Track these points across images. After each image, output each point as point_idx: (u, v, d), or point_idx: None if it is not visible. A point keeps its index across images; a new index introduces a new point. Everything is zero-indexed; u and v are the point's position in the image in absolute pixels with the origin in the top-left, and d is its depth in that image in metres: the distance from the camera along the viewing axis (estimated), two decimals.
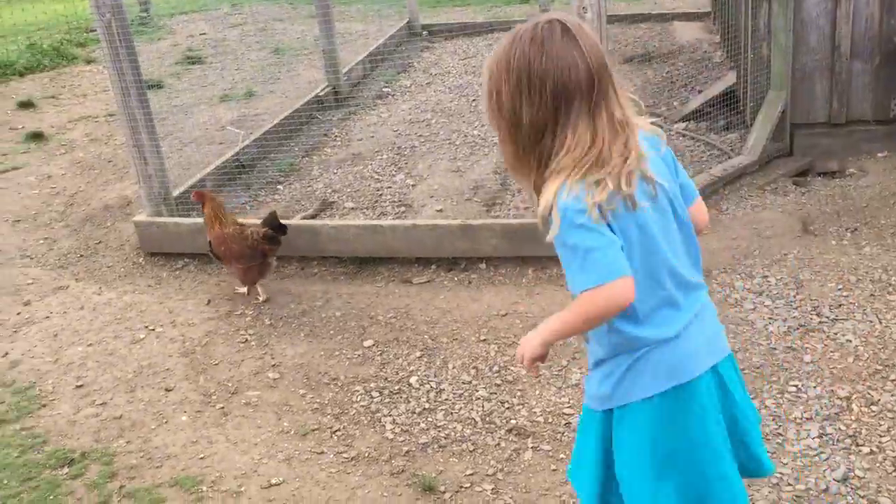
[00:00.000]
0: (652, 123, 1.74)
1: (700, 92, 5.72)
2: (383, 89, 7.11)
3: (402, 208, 4.65)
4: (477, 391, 3.03)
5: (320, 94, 6.51)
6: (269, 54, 8.86)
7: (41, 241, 4.64)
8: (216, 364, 3.33)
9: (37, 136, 6.44)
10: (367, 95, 6.92)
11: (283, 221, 3.86)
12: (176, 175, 4.87)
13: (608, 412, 1.76)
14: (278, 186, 5.18)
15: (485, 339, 3.35)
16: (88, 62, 9.00)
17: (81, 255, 4.45)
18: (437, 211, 4.49)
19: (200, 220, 4.30)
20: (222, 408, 3.04)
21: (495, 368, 3.15)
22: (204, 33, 10.20)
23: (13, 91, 7.98)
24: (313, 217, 4.71)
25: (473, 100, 6.35)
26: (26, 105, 7.35)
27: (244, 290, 3.86)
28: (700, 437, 1.70)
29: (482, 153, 5.22)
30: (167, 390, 3.16)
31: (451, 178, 4.90)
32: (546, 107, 1.62)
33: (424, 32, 8.95)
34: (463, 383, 3.08)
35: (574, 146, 1.60)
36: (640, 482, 1.73)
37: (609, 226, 1.59)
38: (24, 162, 5.93)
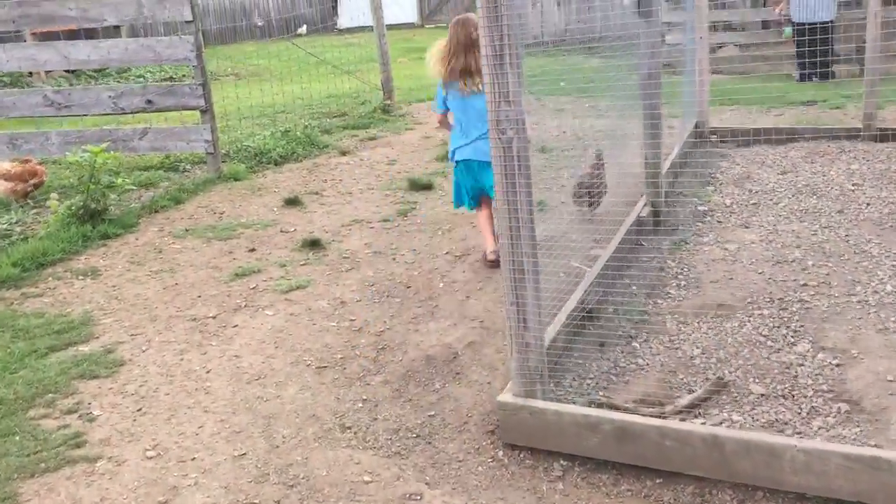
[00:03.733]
0: None
1: None
2: (698, 208, 5.81)
3: (844, 406, 3.24)
4: None
5: (642, 214, 5.28)
6: (535, 153, 7.78)
7: (360, 405, 3.55)
8: None
9: (314, 244, 5.52)
10: (682, 215, 5.64)
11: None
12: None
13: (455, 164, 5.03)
14: (634, 344, 3.91)
15: None
16: (343, 153, 8.21)
17: (417, 436, 3.31)
18: None
19: (590, 410, 3.07)
20: None
21: None
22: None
23: (274, 184, 7.23)
24: (704, 400, 3.41)
25: (846, 235, 4.91)
26: (293, 202, 6.53)
27: None
28: (469, 174, 4.90)
29: None
30: None
31: None
32: (450, 51, 4.71)
33: (713, 137, 7.64)
34: None
35: (454, 64, 4.68)
36: (455, 186, 5.12)
37: (446, 94, 4.84)
38: (308, 279, 4.97)
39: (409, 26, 24.57)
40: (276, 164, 7.88)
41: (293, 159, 8.04)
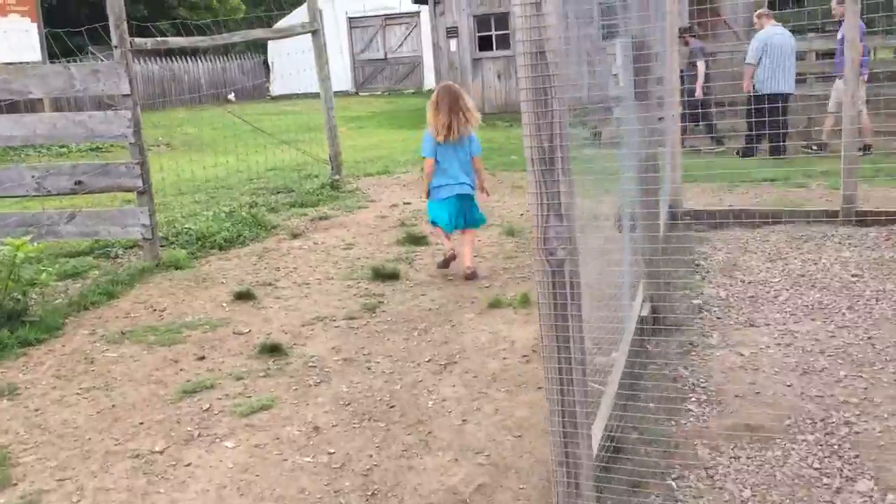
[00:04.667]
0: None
1: None
2: (693, 301, 5.33)
3: None
4: None
5: (643, 314, 4.75)
6: (503, 236, 7.26)
7: None
8: None
9: (273, 350, 4.80)
10: (679, 310, 5.14)
11: None
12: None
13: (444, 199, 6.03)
14: (669, 482, 3.31)
15: None
16: (295, 236, 7.52)
17: None
18: None
19: None
20: None
21: None
22: (409, 203, 8.74)
23: (220, 273, 6.47)
24: None
25: (868, 338, 4.47)
26: (244, 296, 5.79)
27: None
28: (446, 208, 5.96)
29: None
30: None
31: None
32: (435, 109, 5.87)
33: (687, 218, 7.27)
34: None
35: (438, 121, 5.85)
36: (437, 212, 6.07)
37: (436, 144, 5.88)
38: (272, 396, 4.24)
39: (344, 94, 24.20)
40: (220, 249, 7.13)
41: (239, 243, 7.31)
